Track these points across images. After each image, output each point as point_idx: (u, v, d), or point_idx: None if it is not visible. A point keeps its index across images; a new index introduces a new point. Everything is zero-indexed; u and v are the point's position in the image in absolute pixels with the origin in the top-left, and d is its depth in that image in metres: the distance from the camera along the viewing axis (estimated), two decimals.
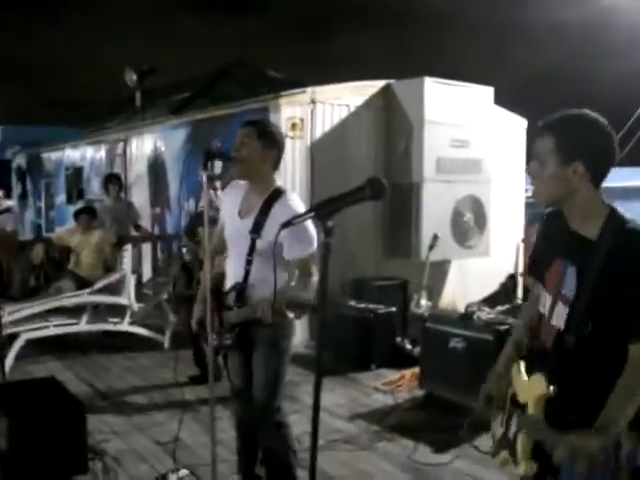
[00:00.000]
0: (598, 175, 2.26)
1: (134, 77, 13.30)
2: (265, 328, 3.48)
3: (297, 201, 3.64)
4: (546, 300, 2.41)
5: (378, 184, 2.10)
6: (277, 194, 3.59)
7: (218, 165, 7.04)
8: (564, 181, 2.25)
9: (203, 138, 9.04)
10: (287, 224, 2.24)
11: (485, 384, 2.68)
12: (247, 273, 3.55)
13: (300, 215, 2.34)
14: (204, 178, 3.69)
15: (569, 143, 2.24)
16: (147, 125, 10.87)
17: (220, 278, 3.72)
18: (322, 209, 2.07)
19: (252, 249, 3.54)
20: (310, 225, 3.55)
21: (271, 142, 3.63)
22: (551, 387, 2.22)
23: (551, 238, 2.48)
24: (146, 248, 9.90)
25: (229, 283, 3.66)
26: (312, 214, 2.11)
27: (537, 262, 2.54)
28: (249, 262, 3.55)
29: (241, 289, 3.55)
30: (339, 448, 4.80)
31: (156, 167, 10.28)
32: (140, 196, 10.50)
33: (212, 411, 3.76)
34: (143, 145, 10.73)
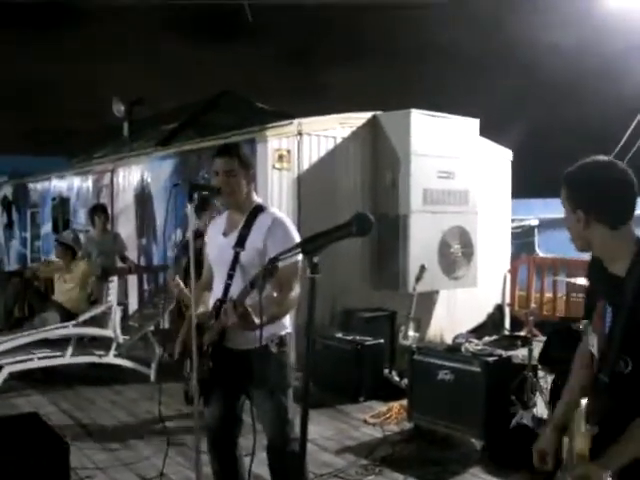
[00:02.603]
0: (605, 217, 2.32)
1: (122, 108, 13.35)
2: (259, 357, 3.46)
3: (278, 211, 3.70)
4: (594, 341, 2.44)
5: (365, 220, 2.10)
6: (259, 209, 3.64)
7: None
8: (576, 228, 2.39)
9: (190, 169, 9.06)
10: (275, 260, 2.23)
11: (537, 441, 2.63)
12: (227, 287, 3.54)
13: (287, 251, 2.33)
14: (189, 210, 3.69)
15: (573, 193, 2.38)
16: (134, 156, 10.88)
17: (204, 317, 3.67)
18: (309, 245, 2.07)
19: (235, 263, 3.53)
20: (295, 233, 3.58)
21: (250, 167, 3.70)
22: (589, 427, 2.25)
23: (594, 280, 2.58)
24: (132, 279, 9.84)
25: (211, 305, 3.63)
26: (299, 250, 2.11)
27: (587, 305, 2.59)
28: (230, 277, 3.54)
29: (220, 304, 3.51)
30: None
31: (143, 198, 10.27)
32: (127, 227, 10.47)
33: (198, 445, 3.70)
34: (130, 176, 10.73)
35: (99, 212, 9.11)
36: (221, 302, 3.53)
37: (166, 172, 9.68)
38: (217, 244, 3.72)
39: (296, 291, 3.49)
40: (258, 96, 15.37)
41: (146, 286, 9.88)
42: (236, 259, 3.55)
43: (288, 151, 7.90)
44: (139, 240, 10.33)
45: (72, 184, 12.81)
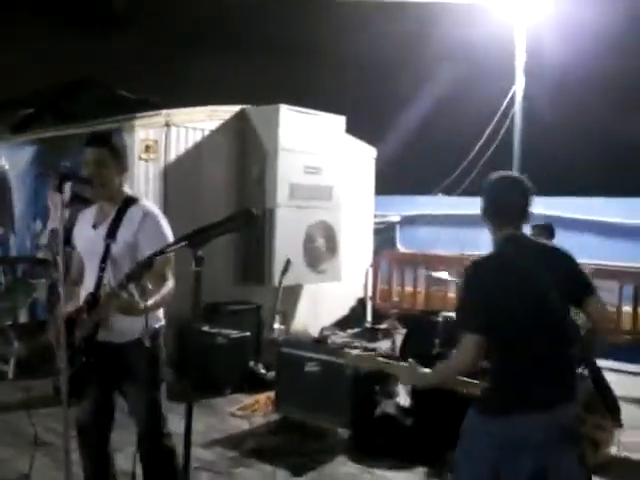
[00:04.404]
0: (491, 221, 3.09)
1: None
2: (133, 351, 3.42)
3: (150, 204, 3.71)
4: None
5: (249, 215, 2.14)
6: (130, 201, 3.62)
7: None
8: None
9: (52, 157, 8.70)
10: (161, 253, 2.22)
11: None
12: (99, 280, 3.48)
13: (171, 244, 2.33)
14: (59, 200, 3.55)
15: None
16: None
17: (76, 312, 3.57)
18: (193, 238, 2.09)
19: (106, 255, 3.48)
20: (166, 225, 3.58)
21: (123, 159, 3.67)
22: None
23: None
24: None
25: (82, 299, 3.55)
26: (183, 243, 2.12)
27: None
28: (102, 269, 3.49)
29: (93, 298, 3.46)
30: (198, 477, 4.74)
31: (1, 186, 9.77)
32: None
33: (67, 443, 3.58)
34: None
35: None
36: (93, 295, 3.46)
37: (25, 159, 9.26)
38: (86, 236, 3.65)
39: (171, 282, 3.48)
40: (122, 85, 15.03)
41: (2, 278, 9.42)
42: (107, 251, 3.49)
43: (155, 142, 7.76)
44: None
45: None
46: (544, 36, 13.22)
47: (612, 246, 10.74)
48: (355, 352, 3.57)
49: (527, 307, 2.89)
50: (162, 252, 2.21)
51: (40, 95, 13.61)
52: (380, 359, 3.37)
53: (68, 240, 4.03)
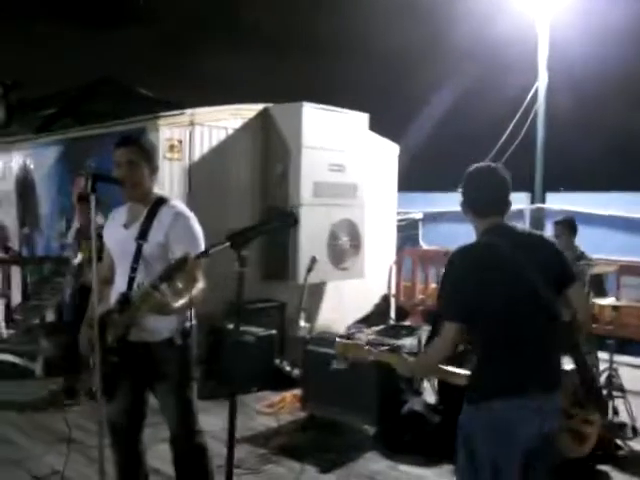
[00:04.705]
0: (472, 210, 3.16)
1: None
2: (165, 350, 3.45)
3: (180, 204, 3.71)
4: None
5: (290, 215, 2.17)
6: (161, 201, 3.63)
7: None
8: None
9: (76, 157, 8.79)
10: (203, 254, 2.25)
11: None
12: (131, 281, 3.50)
13: (215, 245, 2.36)
14: (92, 201, 3.57)
15: None
16: (16, 141, 10.45)
17: (107, 312, 3.57)
18: (236, 239, 2.11)
19: (138, 256, 3.50)
20: (197, 226, 3.58)
21: (154, 160, 3.69)
22: None
23: None
24: (15, 271, 9.47)
25: (114, 299, 3.56)
26: (227, 244, 2.14)
27: None
28: (134, 270, 3.50)
29: (124, 298, 3.46)
30: None
31: (25, 185, 9.88)
32: (7, 215, 10.05)
33: (101, 442, 3.62)
34: (11, 162, 10.29)
35: None
36: (125, 295, 3.48)
37: (50, 159, 9.36)
38: (118, 237, 3.66)
39: (201, 283, 3.50)
40: (140, 83, 15.10)
41: (29, 278, 9.52)
42: (139, 252, 3.51)
43: (180, 141, 7.81)
44: (21, 229, 9.94)
45: None
46: (567, 31, 13.13)
47: (636, 242, 10.66)
48: (345, 341, 3.68)
49: (508, 295, 2.93)
50: (206, 252, 2.23)
51: (60, 96, 13.71)
52: (369, 348, 3.40)
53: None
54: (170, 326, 3.53)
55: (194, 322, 3.71)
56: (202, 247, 3.52)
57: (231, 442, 2.10)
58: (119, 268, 3.65)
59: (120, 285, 3.56)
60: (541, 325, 2.96)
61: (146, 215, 3.56)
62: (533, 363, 2.93)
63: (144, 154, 3.59)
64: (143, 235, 3.50)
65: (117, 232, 3.66)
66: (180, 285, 3.34)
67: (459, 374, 3.12)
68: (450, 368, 3.12)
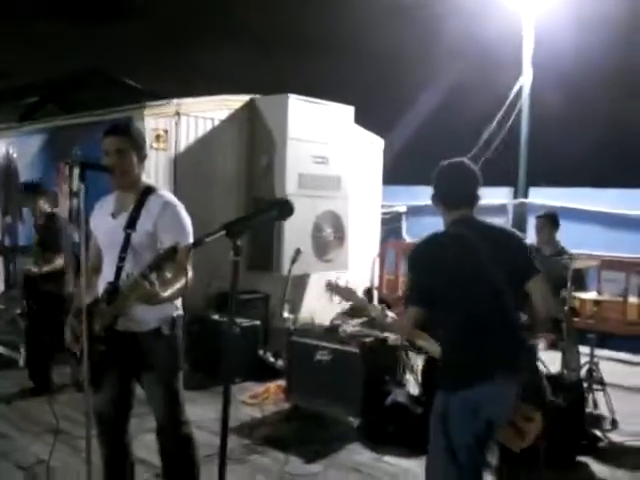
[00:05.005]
0: (442, 202, 3.33)
1: None
2: (152, 340, 3.45)
3: (169, 194, 3.70)
4: None
5: (286, 205, 2.18)
6: (149, 190, 3.62)
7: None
8: None
9: (62, 146, 8.74)
10: (199, 243, 2.26)
11: None
12: (119, 270, 3.49)
13: (210, 234, 2.36)
14: (82, 189, 3.54)
15: None
16: None
17: (94, 301, 3.57)
18: (232, 227, 2.12)
19: (126, 245, 3.49)
20: (185, 215, 3.58)
21: (143, 149, 3.67)
22: None
23: None
24: None
25: (101, 289, 3.55)
26: (222, 232, 2.15)
27: None
28: (122, 259, 3.49)
29: (112, 287, 3.46)
30: (213, 463, 4.77)
31: (8, 174, 9.78)
32: None
33: (88, 433, 3.59)
34: None
35: None
36: (113, 285, 3.48)
37: (34, 148, 9.31)
38: (105, 226, 3.64)
39: (190, 273, 3.50)
40: (127, 75, 15.03)
41: (11, 267, 9.45)
42: (127, 241, 3.49)
43: (165, 131, 7.79)
44: (3, 218, 9.86)
45: None
46: (552, 27, 13.18)
47: (618, 237, 10.76)
48: (341, 285, 3.99)
49: (466, 282, 3.13)
50: (199, 242, 2.24)
51: (43, 84, 13.62)
52: (359, 296, 4.07)
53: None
54: (157, 316, 3.53)
55: (181, 312, 3.71)
56: (191, 237, 3.53)
57: (224, 432, 2.11)
58: (107, 257, 3.63)
59: (108, 274, 3.55)
60: (499, 312, 3.14)
61: (134, 204, 3.55)
62: (494, 349, 3.11)
63: (133, 142, 3.57)
64: (131, 224, 3.49)
65: (105, 221, 3.64)
66: (169, 275, 3.34)
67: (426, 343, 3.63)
68: (421, 335, 3.62)
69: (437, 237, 3.28)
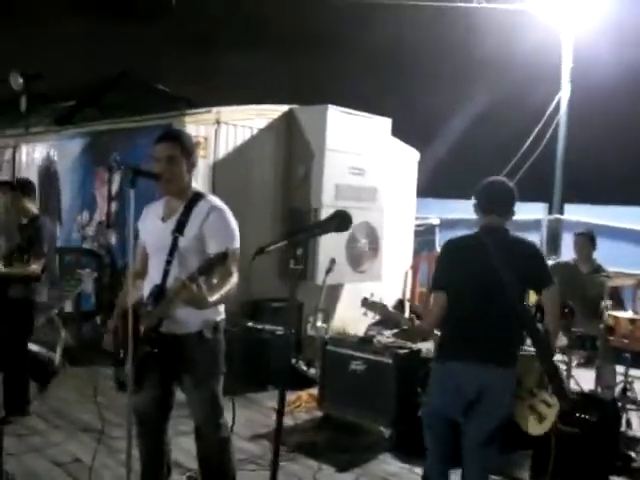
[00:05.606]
0: (478, 212, 3.85)
1: (20, 81, 12.86)
2: (194, 343, 3.50)
3: (217, 199, 3.73)
4: None
5: (345, 217, 2.24)
6: (198, 196, 3.67)
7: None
8: None
9: (101, 151, 8.89)
10: (260, 251, 2.31)
11: None
12: (166, 273, 3.53)
13: (273, 243, 2.42)
14: (131, 195, 3.62)
15: None
16: (40, 133, 10.55)
17: (138, 303, 3.61)
18: (293, 238, 2.18)
19: (173, 249, 3.53)
20: (233, 221, 3.62)
21: (193, 155, 3.71)
22: None
23: None
24: None
25: (147, 291, 3.61)
26: (284, 242, 2.22)
27: None
28: (169, 262, 3.54)
29: (158, 290, 3.52)
30: (246, 468, 4.83)
31: (48, 176, 9.97)
32: None
33: (129, 433, 3.65)
34: (34, 152, 10.38)
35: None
36: (160, 287, 3.54)
37: (74, 151, 9.45)
38: (154, 229, 3.69)
39: (235, 278, 3.55)
40: (156, 78, 15.21)
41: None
42: (175, 245, 3.55)
43: (205, 139, 7.90)
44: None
45: None
46: (591, 41, 13.12)
47: None
48: (375, 301, 4.28)
49: (476, 279, 3.67)
50: (262, 250, 2.29)
51: (79, 89, 13.80)
52: (392, 311, 4.55)
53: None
54: (200, 319, 3.58)
55: (224, 316, 3.76)
56: (238, 242, 3.58)
57: (277, 438, 2.16)
58: (154, 260, 3.69)
59: (154, 277, 3.61)
60: (502, 310, 3.64)
61: (183, 209, 3.60)
62: (476, 338, 3.65)
63: (184, 150, 3.62)
64: (180, 229, 3.54)
65: (154, 225, 3.70)
66: (215, 280, 3.40)
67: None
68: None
69: (463, 238, 3.91)
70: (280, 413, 2.20)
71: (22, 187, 5.96)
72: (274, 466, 2.25)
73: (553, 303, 3.79)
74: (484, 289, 3.65)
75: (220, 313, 3.73)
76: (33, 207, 5.94)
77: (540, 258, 3.82)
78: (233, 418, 3.66)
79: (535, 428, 3.81)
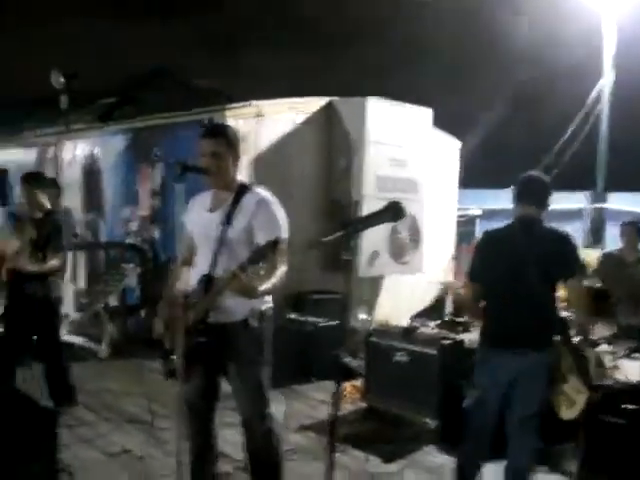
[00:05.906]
0: (516, 203, 4.05)
1: (61, 79, 13.02)
2: (240, 332, 3.53)
3: (264, 191, 3.75)
4: None
5: (399, 208, 2.25)
6: (245, 188, 3.69)
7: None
8: None
9: (143, 147, 8.98)
10: (315, 244, 2.33)
11: None
12: (214, 264, 3.55)
13: (329, 235, 2.43)
14: (180, 190, 3.67)
15: None
16: (82, 130, 10.68)
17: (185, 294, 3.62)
18: (349, 228, 2.20)
19: (221, 240, 3.55)
20: (281, 212, 3.64)
21: (238, 149, 3.74)
22: None
23: None
24: (80, 256, 9.70)
25: (195, 280, 3.62)
26: (340, 233, 2.23)
27: None
28: (216, 253, 3.55)
29: (207, 279, 3.54)
30: (292, 459, 4.85)
31: (91, 172, 10.10)
32: (72, 201, 10.28)
33: (179, 424, 3.68)
34: (76, 150, 10.51)
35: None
36: (208, 277, 3.57)
37: (117, 148, 9.56)
38: (202, 221, 3.72)
39: (285, 267, 3.57)
40: (191, 74, 15.27)
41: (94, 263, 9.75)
42: (223, 236, 3.57)
43: (246, 133, 7.92)
44: (86, 215, 10.17)
45: (9, 157, 12.35)
46: (635, 26, 12.87)
47: None
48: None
49: (508, 269, 3.87)
50: (316, 243, 2.32)
51: (115, 86, 13.94)
52: None
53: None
54: (246, 308, 3.59)
55: (271, 305, 3.77)
56: (286, 232, 3.60)
57: (332, 428, 2.18)
58: (201, 251, 3.70)
59: (202, 268, 3.62)
60: (531, 298, 3.84)
61: (231, 201, 3.62)
62: (511, 325, 3.88)
63: (230, 144, 3.65)
64: (227, 220, 3.56)
65: (201, 216, 3.72)
66: (262, 271, 3.41)
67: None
68: None
69: (498, 230, 4.12)
70: (335, 406, 2.20)
71: (32, 180, 5.78)
72: (330, 459, 2.25)
73: (576, 295, 4.01)
74: (516, 278, 3.86)
75: (267, 302, 3.73)
76: (46, 201, 5.74)
77: (569, 250, 3.96)
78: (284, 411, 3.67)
79: (566, 412, 3.99)
